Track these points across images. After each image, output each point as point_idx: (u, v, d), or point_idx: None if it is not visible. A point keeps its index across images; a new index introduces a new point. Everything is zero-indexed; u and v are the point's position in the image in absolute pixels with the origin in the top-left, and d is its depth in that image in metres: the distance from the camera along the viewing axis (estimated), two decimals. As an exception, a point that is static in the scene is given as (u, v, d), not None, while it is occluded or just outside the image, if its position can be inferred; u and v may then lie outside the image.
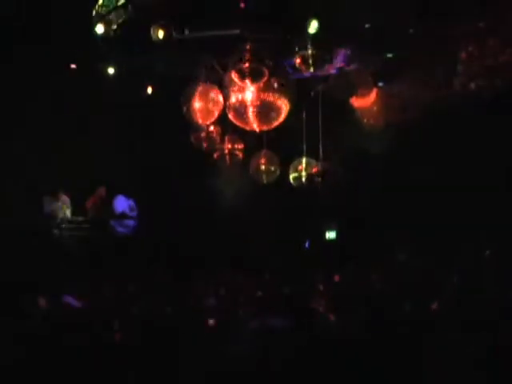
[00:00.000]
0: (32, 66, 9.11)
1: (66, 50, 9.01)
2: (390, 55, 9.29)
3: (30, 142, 9.89)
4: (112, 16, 8.09)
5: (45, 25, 8.41)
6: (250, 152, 10.47)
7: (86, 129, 10.21)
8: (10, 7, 8.13)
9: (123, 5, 8.16)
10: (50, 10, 8.32)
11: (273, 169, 10.31)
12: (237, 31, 8.54)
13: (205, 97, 9.21)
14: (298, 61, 8.48)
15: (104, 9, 8.01)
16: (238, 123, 9.05)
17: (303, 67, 8.57)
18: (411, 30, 8.55)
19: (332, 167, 10.41)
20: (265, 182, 10.37)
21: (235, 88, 8.70)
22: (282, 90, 8.73)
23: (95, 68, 9.46)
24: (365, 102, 10.34)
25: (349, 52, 9.21)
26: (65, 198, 10.66)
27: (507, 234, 9.15)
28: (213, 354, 4.61)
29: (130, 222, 10.59)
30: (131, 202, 10.69)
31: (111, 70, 9.55)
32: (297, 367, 4.08)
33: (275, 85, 8.63)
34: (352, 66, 9.54)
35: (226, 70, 8.77)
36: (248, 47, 8.04)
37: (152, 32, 8.20)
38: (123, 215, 10.59)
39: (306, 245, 10.37)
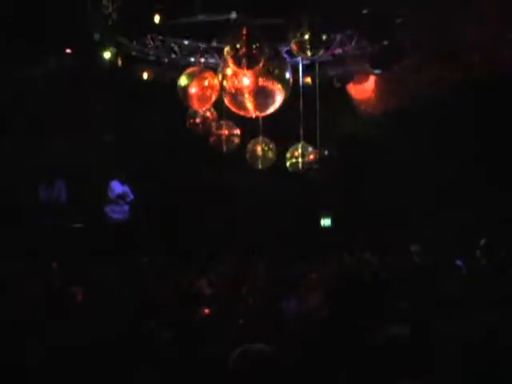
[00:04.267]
0: (28, 49, 9.07)
1: (61, 33, 8.94)
2: (386, 42, 9.24)
3: (27, 129, 9.86)
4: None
5: (39, 8, 8.34)
6: (246, 137, 10.43)
7: (81, 114, 10.16)
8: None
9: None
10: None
11: (269, 154, 10.28)
12: (233, 16, 8.51)
13: (201, 82, 9.18)
14: (294, 46, 8.41)
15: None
16: (234, 109, 9.02)
17: (300, 53, 8.52)
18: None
19: (329, 154, 10.40)
20: (261, 167, 10.35)
21: (231, 73, 8.67)
22: (279, 76, 8.71)
23: (91, 53, 9.41)
24: (362, 88, 10.31)
25: (346, 38, 9.18)
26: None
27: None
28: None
29: (125, 207, 10.54)
30: (126, 188, 10.62)
31: (107, 55, 9.51)
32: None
33: (271, 70, 8.61)
34: (349, 53, 9.53)
35: (222, 55, 8.72)
36: (244, 32, 7.98)
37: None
38: (121, 196, 10.50)
39: None
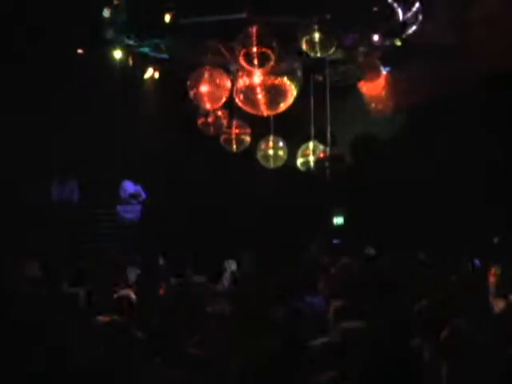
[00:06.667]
0: (36, 49, 9.14)
1: (71, 33, 9.01)
2: (397, 41, 9.21)
3: (38, 127, 9.91)
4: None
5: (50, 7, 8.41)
6: (257, 136, 10.42)
7: (93, 113, 10.20)
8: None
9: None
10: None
11: (280, 153, 10.27)
12: (243, 15, 8.50)
13: (212, 81, 9.18)
14: (304, 45, 8.40)
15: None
16: (245, 108, 9.02)
17: (310, 51, 8.50)
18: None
19: (340, 152, 10.36)
20: (272, 166, 10.33)
21: (242, 72, 8.67)
22: (290, 74, 8.71)
23: (102, 52, 9.45)
24: (372, 86, 10.29)
25: (356, 36, 9.15)
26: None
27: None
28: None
29: (138, 207, 10.55)
30: (138, 187, 10.64)
31: (118, 55, 9.55)
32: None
33: (282, 69, 8.61)
34: (359, 51, 9.49)
35: (232, 54, 8.72)
36: (255, 31, 7.97)
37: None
38: (134, 196, 10.51)
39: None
